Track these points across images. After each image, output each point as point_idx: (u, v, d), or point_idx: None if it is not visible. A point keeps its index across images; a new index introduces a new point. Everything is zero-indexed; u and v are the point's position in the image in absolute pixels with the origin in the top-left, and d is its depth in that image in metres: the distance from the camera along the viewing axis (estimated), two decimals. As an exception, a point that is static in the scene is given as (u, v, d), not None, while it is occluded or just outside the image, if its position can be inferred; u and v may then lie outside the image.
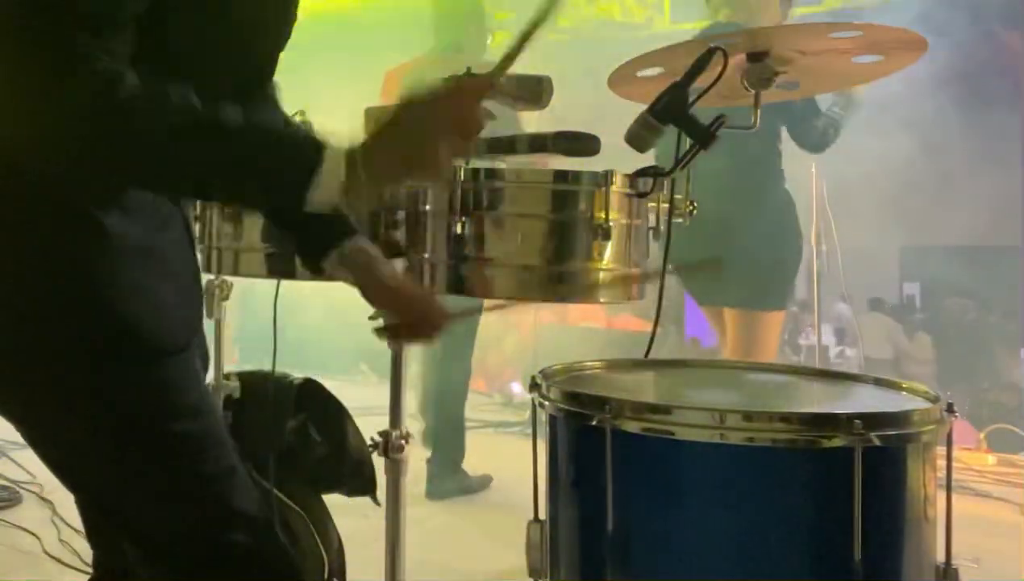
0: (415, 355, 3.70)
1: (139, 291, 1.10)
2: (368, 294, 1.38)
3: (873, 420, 1.16)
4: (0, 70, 0.97)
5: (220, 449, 1.18)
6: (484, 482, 3.69)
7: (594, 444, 1.24)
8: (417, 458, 2.82)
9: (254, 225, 1.68)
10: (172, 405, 1.14)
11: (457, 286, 1.50)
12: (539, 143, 1.55)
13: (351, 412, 2.08)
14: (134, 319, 1.09)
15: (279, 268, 1.69)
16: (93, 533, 1.39)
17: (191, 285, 1.22)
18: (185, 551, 1.16)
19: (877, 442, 1.16)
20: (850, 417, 1.16)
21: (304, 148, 1.03)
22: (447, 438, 3.59)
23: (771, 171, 3.08)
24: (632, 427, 1.22)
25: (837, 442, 1.15)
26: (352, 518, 2.10)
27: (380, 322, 1.43)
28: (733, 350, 3.11)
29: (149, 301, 1.11)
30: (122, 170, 1.03)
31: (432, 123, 1.05)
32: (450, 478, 3.54)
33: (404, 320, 1.40)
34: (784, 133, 3.08)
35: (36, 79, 0.95)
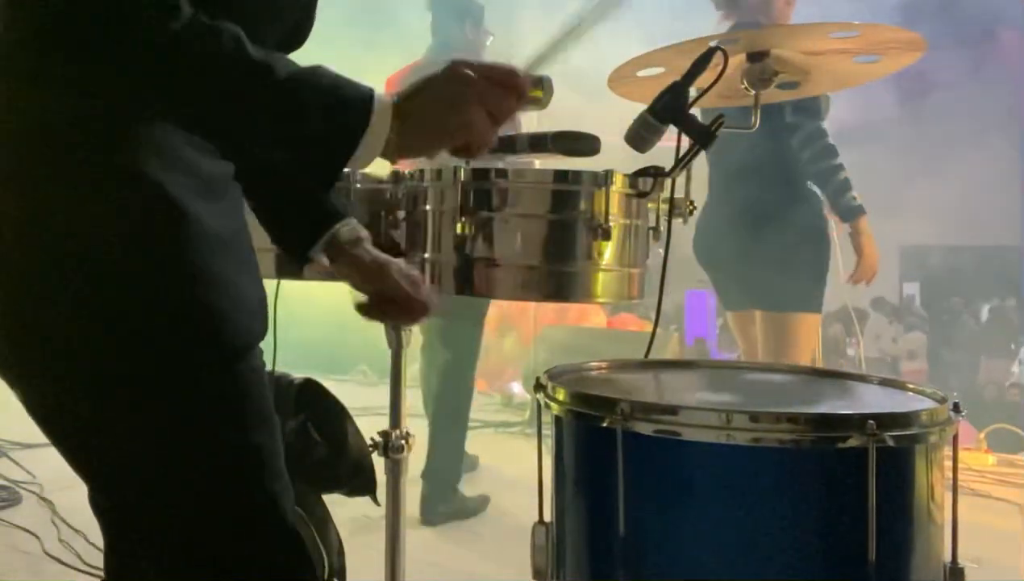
0: (415, 355, 3.67)
1: (225, 283, 1.03)
2: (358, 277, 1.38)
3: (885, 421, 1.16)
4: None
5: (280, 461, 1.11)
6: (481, 504, 3.51)
7: (604, 445, 1.23)
8: (418, 458, 2.78)
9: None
10: (246, 414, 1.06)
11: (457, 286, 1.49)
12: (539, 143, 1.55)
13: (351, 412, 2.07)
14: (221, 313, 1.03)
15: (287, 268, 1.69)
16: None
17: (259, 280, 1.16)
18: (231, 568, 1.07)
19: (890, 443, 1.15)
20: (863, 418, 1.15)
21: (357, 101, 0.98)
22: (443, 459, 3.39)
23: (804, 172, 3.04)
24: (643, 428, 1.21)
25: (851, 443, 1.15)
26: (352, 518, 2.10)
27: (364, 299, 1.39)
28: (763, 355, 3.04)
29: (233, 293, 1.04)
30: (171, 106, 0.97)
31: (474, 93, 1.03)
32: (444, 501, 3.36)
33: (391, 298, 1.38)
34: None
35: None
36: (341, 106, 0.98)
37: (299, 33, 1.22)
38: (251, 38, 0.95)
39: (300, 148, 1.00)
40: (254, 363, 1.10)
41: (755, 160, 2.90)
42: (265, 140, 1.00)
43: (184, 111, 0.98)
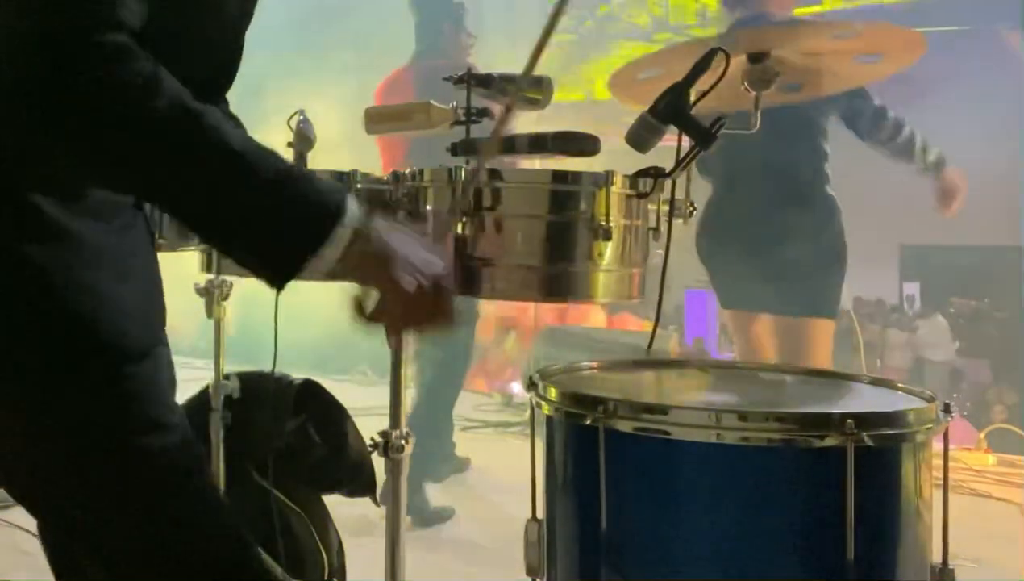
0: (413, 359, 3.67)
1: (95, 292, 1.04)
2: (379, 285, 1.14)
3: (865, 420, 1.16)
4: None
5: (190, 465, 1.13)
6: (444, 514, 3.44)
7: (588, 444, 1.24)
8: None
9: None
10: (135, 418, 1.07)
11: (457, 287, 1.49)
12: (539, 143, 1.55)
13: (351, 412, 2.08)
14: (90, 320, 1.03)
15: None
16: (56, 561, 1.29)
17: (152, 290, 1.17)
18: (157, 573, 1.10)
19: (869, 442, 1.16)
20: (842, 417, 1.16)
21: (323, 210, 1.00)
22: (420, 452, 3.41)
23: (816, 173, 3.01)
24: (625, 427, 1.22)
25: (829, 442, 1.16)
26: (352, 518, 2.10)
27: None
28: (778, 359, 2.98)
29: (106, 303, 1.05)
30: (132, 182, 0.99)
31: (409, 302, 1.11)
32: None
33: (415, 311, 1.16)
34: (829, 130, 3.03)
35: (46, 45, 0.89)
36: (303, 223, 1.00)
37: (228, 70, 1.23)
38: (181, 75, 0.95)
39: (257, 245, 1.02)
40: (144, 374, 1.09)
41: (772, 160, 2.86)
42: (224, 227, 1.01)
43: (155, 192, 1.00)
